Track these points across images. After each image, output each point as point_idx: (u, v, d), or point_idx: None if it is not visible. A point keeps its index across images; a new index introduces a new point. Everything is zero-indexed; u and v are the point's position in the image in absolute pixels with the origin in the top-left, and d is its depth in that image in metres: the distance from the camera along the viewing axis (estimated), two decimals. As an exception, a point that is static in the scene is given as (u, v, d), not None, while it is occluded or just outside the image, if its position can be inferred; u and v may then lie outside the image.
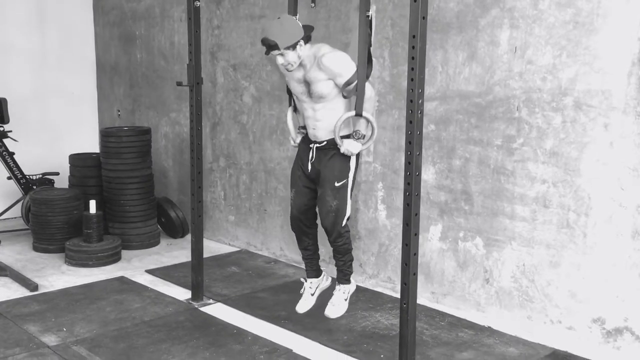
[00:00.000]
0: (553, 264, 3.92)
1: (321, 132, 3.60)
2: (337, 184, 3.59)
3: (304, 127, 3.74)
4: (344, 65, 3.45)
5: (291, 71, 3.55)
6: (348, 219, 3.69)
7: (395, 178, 4.68)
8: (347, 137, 3.57)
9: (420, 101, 3.12)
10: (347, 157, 3.60)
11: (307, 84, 3.52)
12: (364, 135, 3.53)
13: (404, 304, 3.30)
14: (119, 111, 7.22)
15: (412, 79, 3.11)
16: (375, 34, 3.53)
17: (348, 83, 3.44)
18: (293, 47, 3.42)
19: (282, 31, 3.40)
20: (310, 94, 3.54)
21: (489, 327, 4.16)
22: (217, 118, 6.03)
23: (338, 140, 3.52)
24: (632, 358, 3.63)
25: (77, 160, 6.24)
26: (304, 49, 3.46)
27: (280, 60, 3.46)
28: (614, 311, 3.70)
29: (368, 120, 3.49)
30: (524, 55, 3.92)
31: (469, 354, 3.79)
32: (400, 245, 3.50)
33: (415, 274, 3.28)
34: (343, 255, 3.79)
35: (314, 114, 3.59)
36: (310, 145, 3.67)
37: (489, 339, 3.99)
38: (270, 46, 3.41)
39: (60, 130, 7.19)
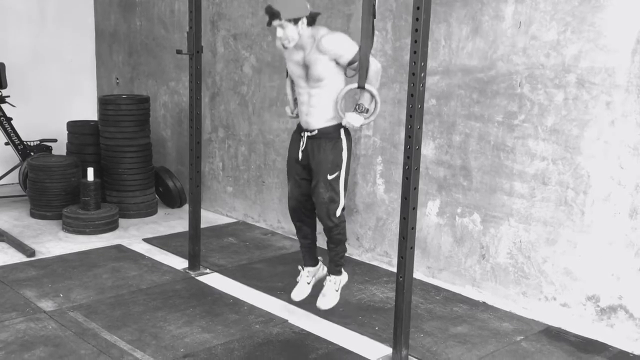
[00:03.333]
0: (550, 241, 3.93)
1: (314, 119, 3.57)
2: (329, 177, 3.58)
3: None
4: (345, 45, 3.43)
5: (287, 48, 3.51)
6: (343, 209, 3.68)
7: (394, 152, 4.66)
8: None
9: (422, 74, 3.10)
10: (339, 148, 3.58)
11: (306, 66, 3.49)
12: (368, 110, 3.48)
13: (400, 277, 3.32)
14: (117, 79, 7.16)
15: (414, 52, 3.08)
16: (378, 5, 3.49)
17: (351, 62, 3.41)
18: (295, 21, 3.38)
19: (288, 3, 3.37)
20: (307, 77, 3.51)
21: (484, 302, 4.18)
22: (216, 88, 5.98)
23: (340, 113, 3.48)
24: (626, 336, 3.66)
25: (75, 128, 6.21)
26: (305, 29, 3.42)
27: (279, 32, 3.42)
28: (609, 289, 3.72)
29: (371, 94, 3.44)
30: (528, 31, 3.88)
31: (463, 328, 3.82)
32: (397, 220, 3.51)
33: (412, 247, 3.29)
34: (336, 246, 3.77)
35: (309, 100, 3.56)
36: (302, 134, 3.65)
37: (483, 314, 4.01)
38: (272, 14, 3.37)
39: (59, 97, 7.14)
